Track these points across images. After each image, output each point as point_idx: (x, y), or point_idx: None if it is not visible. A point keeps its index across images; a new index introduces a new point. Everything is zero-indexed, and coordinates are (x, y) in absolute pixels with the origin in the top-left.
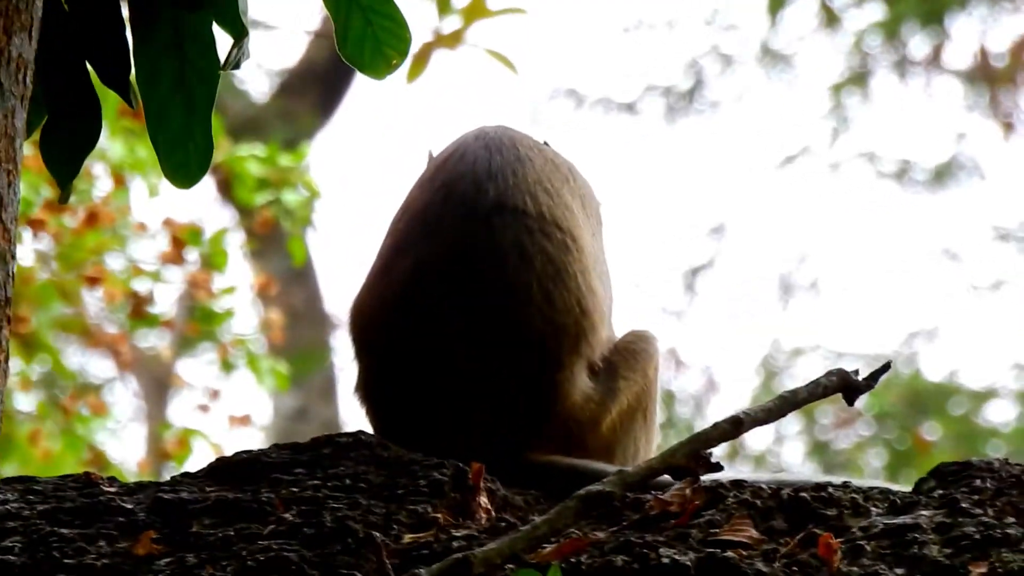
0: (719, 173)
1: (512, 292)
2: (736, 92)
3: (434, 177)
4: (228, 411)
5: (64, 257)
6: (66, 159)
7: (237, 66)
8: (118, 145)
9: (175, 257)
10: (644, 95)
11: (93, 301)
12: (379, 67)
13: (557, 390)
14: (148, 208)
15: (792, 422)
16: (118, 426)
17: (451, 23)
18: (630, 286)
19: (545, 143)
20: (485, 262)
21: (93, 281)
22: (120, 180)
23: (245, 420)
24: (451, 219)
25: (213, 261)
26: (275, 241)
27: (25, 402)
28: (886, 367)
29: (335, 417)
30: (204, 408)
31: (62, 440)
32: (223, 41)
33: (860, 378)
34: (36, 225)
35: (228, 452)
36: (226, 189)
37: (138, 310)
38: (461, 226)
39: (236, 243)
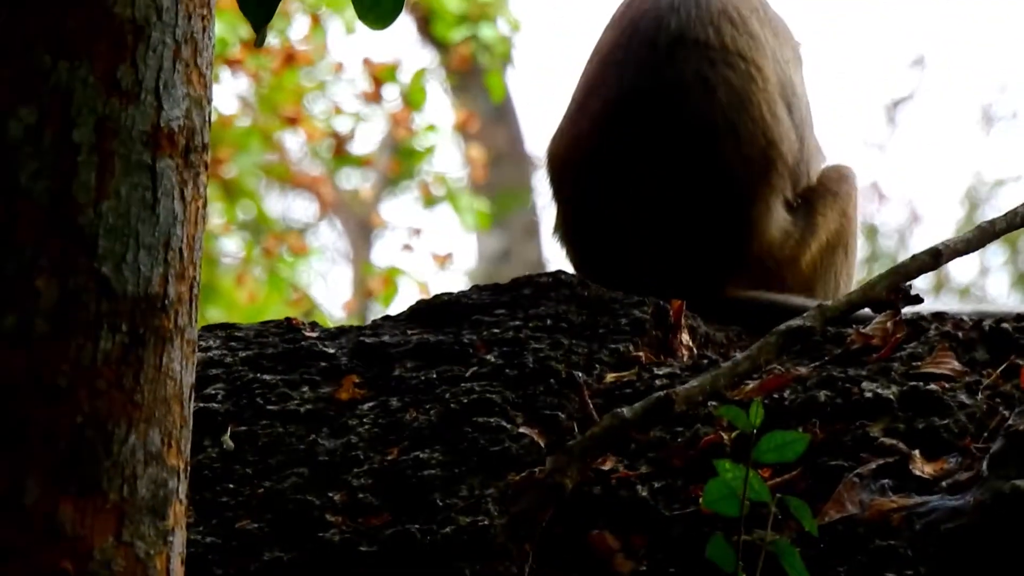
0: (920, 4)
1: (697, 125)
2: None
3: (622, 16)
4: (431, 250)
5: (264, 100)
6: (261, 1)
7: None
8: None
9: (374, 96)
10: None
11: (294, 144)
12: None
13: (754, 225)
14: (346, 48)
15: (996, 253)
16: (323, 267)
17: None
18: (831, 120)
19: None
20: (670, 97)
21: (293, 122)
22: (316, 20)
23: (448, 259)
24: (635, 56)
25: (412, 99)
26: (474, 78)
27: (230, 245)
28: None
29: (538, 258)
30: (408, 247)
31: (267, 283)
32: None
33: None
34: (234, 64)
35: (432, 291)
36: (425, 26)
37: (339, 150)
38: (645, 62)
39: (436, 82)
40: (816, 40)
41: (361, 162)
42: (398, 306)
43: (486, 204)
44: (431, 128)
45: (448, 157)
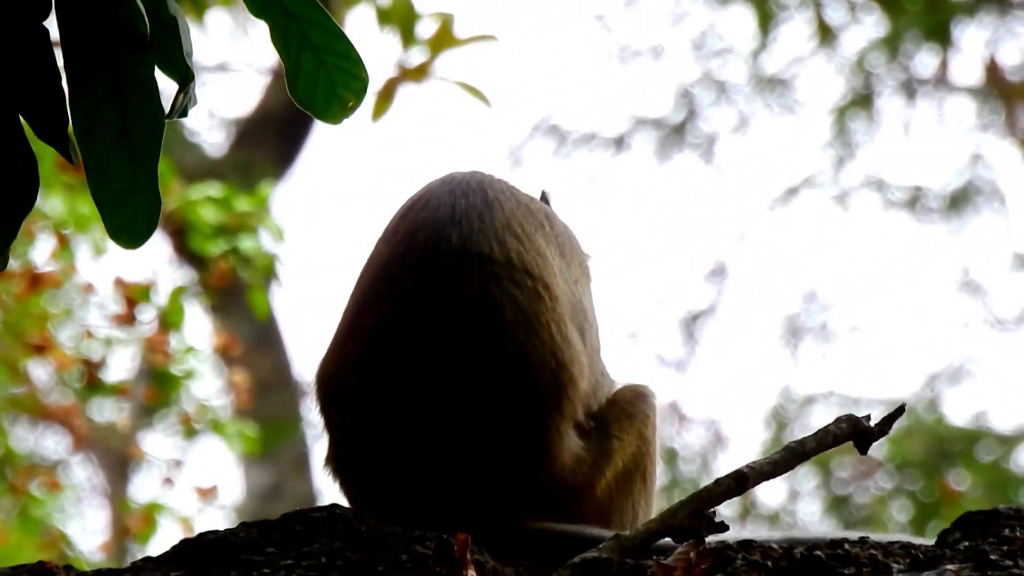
0: (717, 210)
1: (483, 346)
2: (732, 122)
3: (397, 228)
4: (194, 483)
5: (8, 327)
6: (2, 221)
7: (184, 113)
8: (58, 202)
9: (128, 319)
10: (633, 129)
11: (42, 372)
12: (335, 111)
13: (544, 452)
14: (96, 267)
15: (807, 476)
16: (77, 505)
17: (417, 55)
18: (624, 336)
19: (544, 193)
20: (452, 315)
21: (40, 350)
22: (63, 240)
23: (212, 492)
24: (413, 271)
25: (170, 320)
26: (236, 298)
27: None
28: (900, 411)
29: (310, 492)
30: (168, 481)
31: (17, 523)
32: (168, 88)
33: (872, 424)
34: None
35: (196, 528)
36: (180, 240)
37: (91, 378)
38: (424, 278)
39: (194, 300)
40: (607, 247)
41: (115, 390)
42: (158, 545)
43: (252, 428)
44: (190, 351)
45: (209, 383)
